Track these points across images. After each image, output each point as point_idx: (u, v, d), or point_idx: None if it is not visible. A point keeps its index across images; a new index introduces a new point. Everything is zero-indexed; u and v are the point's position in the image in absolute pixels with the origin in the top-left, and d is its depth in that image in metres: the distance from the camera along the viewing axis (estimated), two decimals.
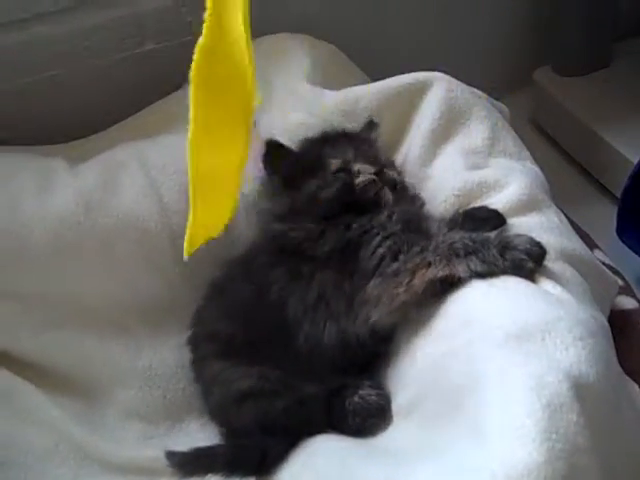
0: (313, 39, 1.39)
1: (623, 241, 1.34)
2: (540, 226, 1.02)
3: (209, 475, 1.00)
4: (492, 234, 0.95)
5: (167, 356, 1.19)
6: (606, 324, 0.94)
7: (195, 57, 0.73)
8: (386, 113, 1.19)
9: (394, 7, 1.58)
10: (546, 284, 0.92)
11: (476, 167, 1.12)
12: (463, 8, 1.65)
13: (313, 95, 1.25)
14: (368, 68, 1.41)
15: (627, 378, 0.98)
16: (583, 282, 0.98)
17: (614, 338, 0.93)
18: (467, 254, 0.93)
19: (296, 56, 1.33)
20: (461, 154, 1.14)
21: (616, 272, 1.24)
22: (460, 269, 0.93)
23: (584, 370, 0.79)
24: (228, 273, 1.13)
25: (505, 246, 0.92)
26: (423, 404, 0.90)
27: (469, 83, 1.22)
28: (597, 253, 1.27)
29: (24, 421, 1.12)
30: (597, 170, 1.58)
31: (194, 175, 0.78)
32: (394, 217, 1.02)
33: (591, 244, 1.28)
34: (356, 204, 1.04)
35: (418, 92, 1.20)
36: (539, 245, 0.93)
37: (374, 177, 1.04)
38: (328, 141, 1.12)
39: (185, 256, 0.80)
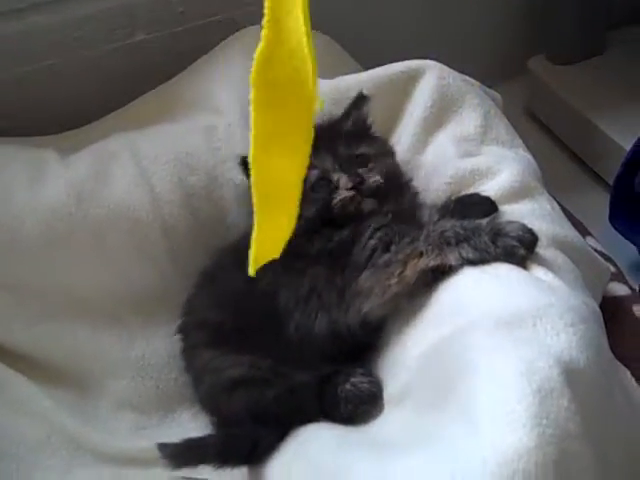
0: None
1: (615, 228, 1.35)
2: (532, 213, 1.02)
3: (201, 465, 1.00)
4: (484, 221, 0.94)
5: (159, 346, 1.20)
6: (598, 310, 0.93)
7: (255, 63, 0.71)
8: (378, 101, 1.18)
9: None
10: (538, 271, 0.92)
11: (468, 155, 1.11)
12: None
13: None
14: (361, 57, 1.41)
15: (619, 364, 0.98)
16: (575, 269, 0.98)
17: (606, 324, 0.93)
18: (458, 242, 0.92)
19: None
20: (453, 142, 1.13)
21: (608, 259, 1.24)
22: (452, 257, 0.92)
23: (575, 356, 0.79)
24: (219, 262, 1.13)
25: (497, 233, 0.92)
26: (414, 392, 0.90)
27: (463, 72, 1.21)
28: (590, 240, 1.27)
29: (16, 412, 1.12)
30: (590, 158, 1.58)
31: (258, 189, 0.74)
32: (384, 209, 1.01)
33: (584, 231, 1.28)
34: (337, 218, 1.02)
35: (410, 80, 1.19)
36: (531, 232, 0.93)
37: (352, 193, 1.01)
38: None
39: (251, 273, 0.77)
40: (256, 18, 1.34)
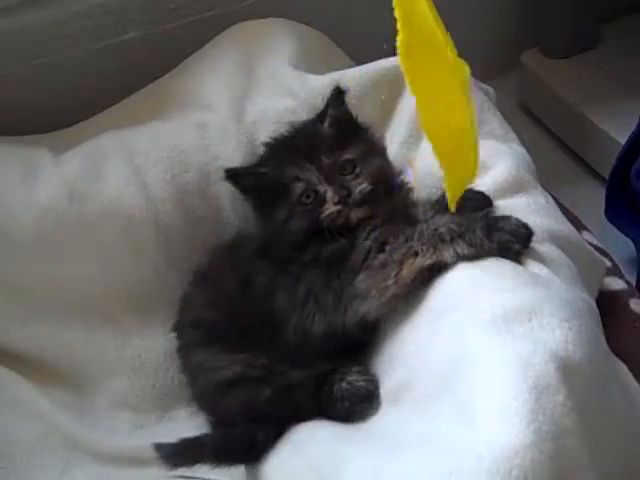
0: (298, 24, 1.38)
1: (611, 222, 1.34)
2: (527, 208, 1.02)
3: (198, 465, 1.00)
4: (478, 216, 0.94)
5: (155, 344, 1.19)
6: (593, 305, 0.93)
7: (399, 53, 0.85)
8: (371, 97, 1.19)
9: None
10: (533, 265, 0.92)
11: None
12: None
13: (297, 80, 1.24)
14: (353, 53, 1.40)
15: (616, 359, 0.98)
16: (570, 263, 0.98)
17: (603, 319, 0.93)
18: (453, 239, 0.92)
19: (280, 41, 1.32)
20: None
21: (604, 253, 1.24)
22: (447, 255, 0.92)
23: (571, 351, 0.79)
24: (214, 260, 1.12)
25: (491, 228, 0.91)
26: (411, 388, 0.89)
27: None
28: (585, 235, 1.27)
29: (12, 412, 1.12)
30: (585, 152, 1.58)
31: (437, 149, 0.88)
32: (377, 212, 1.00)
33: (579, 226, 1.27)
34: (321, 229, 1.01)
35: (403, 75, 1.19)
36: (525, 226, 0.92)
37: (339, 207, 0.99)
38: (290, 151, 1.05)
39: (451, 210, 0.93)
40: (247, 14, 1.37)
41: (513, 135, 1.17)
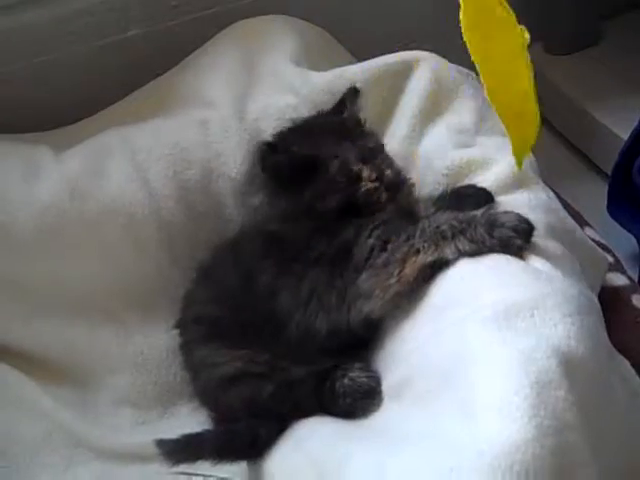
0: (299, 21, 1.38)
1: (614, 218, 1.34)
2: (528, 203, 1.02)
3: (200, 461, 1.00)
4: (479, 212, 0.94)
5: (158, 341, 1.19)
6: (596, 300, 0.93)
7: (462, 25, 0.92)
8: (373, 93, 1.18)
9: None
10: (535, 261, 0.91)
11: (464, 145, 1.11)
12: None
13: (299, 77, 1.24)
14: (354, 49, 1.40)
15: (618, 354, 0.98)
16: (572, 259, 0.97)
17: (605, 315, 0.93)
18: (454, 235, 0.92)
19: (282, 38, 1.32)
20: (449, 133, 1.13)
21: (607, 249, 1.23)
22: (448, 251, 0.92)
23: (573, 346, 0.78)
24: (216, 257, 1.12)
25: (492, 224, 0.91)
26: (413, 384, 0.89)
27: (459, 63, 1.21)
28: (588, 230, 1.26)
29: (16, 410, 1.12)
30: (587, 148, 1.58)
31: (501, 112, 0.97)
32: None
33: (582, 221, 1.27)
34: (353, 206, 1.02)
35: (405, 71, 1.19)
36: (527, 222, 0.92)
37: (376, 184, 1.01)
38: (322, 132, 1.07)
39: (517, 168, 1.02)
40: (249, 11, 1.37)
41: None
